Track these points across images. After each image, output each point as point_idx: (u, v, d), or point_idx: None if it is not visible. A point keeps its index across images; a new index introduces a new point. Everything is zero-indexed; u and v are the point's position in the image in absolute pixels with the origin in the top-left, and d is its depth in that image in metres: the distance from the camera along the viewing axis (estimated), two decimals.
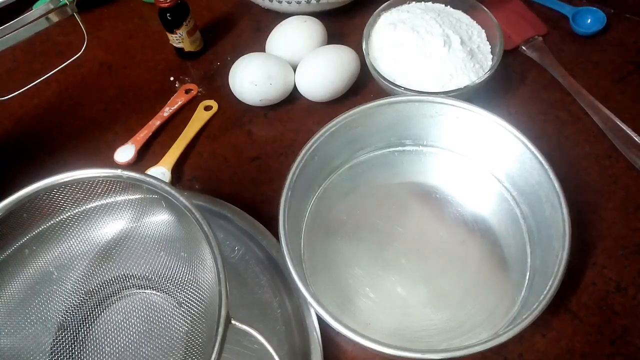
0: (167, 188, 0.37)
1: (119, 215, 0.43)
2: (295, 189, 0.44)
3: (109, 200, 0.42)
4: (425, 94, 0.48)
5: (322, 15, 0.59)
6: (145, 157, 0.54)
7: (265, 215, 0.47)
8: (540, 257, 0.43)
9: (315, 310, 0.39)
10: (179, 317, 0.41)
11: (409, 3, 0.56)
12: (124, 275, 0.43)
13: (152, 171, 0.52)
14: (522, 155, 0.44)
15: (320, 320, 0.41)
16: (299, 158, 0.45)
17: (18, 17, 0.44)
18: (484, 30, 0.54)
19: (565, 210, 0.40)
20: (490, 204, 0.47)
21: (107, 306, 0.43)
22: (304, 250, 0.45)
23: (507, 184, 0.47)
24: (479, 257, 0.45)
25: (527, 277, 0.43)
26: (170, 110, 0.57)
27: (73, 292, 0.42)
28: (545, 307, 0.37)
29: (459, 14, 0.55)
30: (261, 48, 0.58)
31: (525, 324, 0.36)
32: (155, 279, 0.43)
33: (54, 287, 0.42)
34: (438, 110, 0.47)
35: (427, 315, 0.42)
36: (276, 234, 0.43)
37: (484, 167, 0.49)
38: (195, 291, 0.39)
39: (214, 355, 0.31)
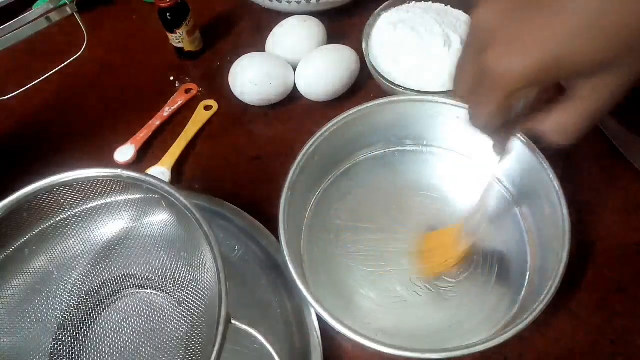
0: (167, 188, 0.37)
1: (119, 215, 0.43)
2: (296, 188, 0.44)
3: (109, 200, 0.42)
4: (426, 94, 0.48)
5: (322, 15, 0.59)
6: (145, 157, 0.54)
7: (265, 215, 0.47)
8: (540, 257, 0.43)
9: (315, 310, 0.39)
10: (179, 317, 0.41)
11: (409, 3, 0.56)
12: (124, 275, 0.43)
13: (152, 171, 0.52)
14: (521, 155, 0.44)
15: (320, 320, 0.41)
16: (299, 158, 0.45)
17: (18, 17, 0.44)
18: None
19: (565, 210, 0.40)
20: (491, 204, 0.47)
21: (107, 306, 0.43)
22: (304, 250, 0.45)
23: (507, 184, 0.47)
24: (480, 258, 0.45)
25: (527, 277, 0.43)
26: (170, 110, 0.57)
27: (73, 292, 0.42)
28: (545, 307, 0.37)
29: (459, 14, 0.55)
30: (261, 48, 0.58)
31: (525, 324, 0.36)
32: (155, 278, 0.43)
33: (54, 287, 0.42)
34: (438, 110, 0.47)
35: (427, 315, 0.42)
36: (276, 234, 0.43)
37: (483, 167, 0.49)
38: (195, 291, 0.39)
39: (214, 355, 0.31)
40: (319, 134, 0.46)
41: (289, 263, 0.40)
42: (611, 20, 0.25)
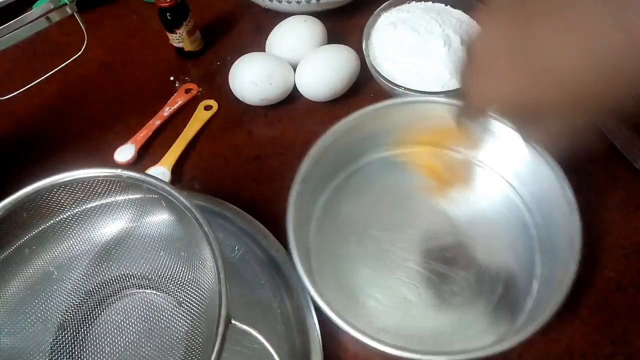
0: (167, 188, 0.37)
1: (119, 215, 0.43)
2: (308, 182, 0.44)
3: (109, 200, 0.42)
4: (444, 96, 0.47)
5: (322, 15, 0.59)
6: (145, 157, 0.54)
7: (265, 215, 0.47)
8: (549, 266, 0.42)
9: (317, 303, 0.39)
10: (179, 317, 0.41)
11: (409, 3, 0.56)
12: (124, 275, 0.43)
13: (152, 171, 0.52)
14: (536, 164, 0.44)
15: (320, 319, 0.41)
16: (312, 151, 0.44)
17: (18, 17, 0.44)
18: None
19: (577, 221, 0.40)
20: (502, 210, 0.47)
21: (107, 306, 0.43)
22: (311, 245, 0.45)
23: (520, 191, 0.47)
24: (487, 264, 0.44)
25: (534, 286, 0.42)
26: (170, 110, 0.57)
27: (73, 291, 0.42)
28: (549, 318, 0.37)
29: (459, 14, 0.55)
30: (261, 48, 0.58)
31: (526, 335, 0.36)
32: (155, 278, 0.43)
33: (54, 286, 0.42)
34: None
35: (431, 318, 0.42)
36: (276, 234, 0.43)
37: (496, 172, 0.48)
38: (195, 291, 0.39)
39: (214, 355, 0.31)
40: (335, 127, 0.45)
41: (295, 255, 0.40)
42: (583, 86, 0.28)
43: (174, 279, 0.42)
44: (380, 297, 0.43)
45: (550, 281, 0.40)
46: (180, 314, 0.41)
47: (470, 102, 0.35)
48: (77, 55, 0.48)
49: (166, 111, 0.57)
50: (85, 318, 0.42)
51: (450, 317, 0.42)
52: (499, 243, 0.45)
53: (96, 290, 0.43)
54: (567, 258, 0.39)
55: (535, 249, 0.44)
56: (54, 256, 0.42)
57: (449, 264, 0.44)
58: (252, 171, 0.52)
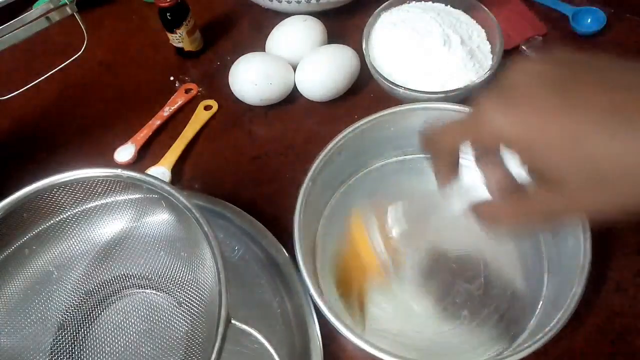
0: (167, 188, 0.37)
1: (119, 215, 0.43)
2: (318, 181, 0.44)
3: (109, 200, 0.42)
4: (464, 105, 0.47)
5: (322, 15, 0.59)
6: (145, 156, 0.54)
7: (265, 215, 0.47)
8: (556, 287, 0.41)
9: (316, 302, 0.39)
10: (179, 317, 0.41)
11: (409, 3, 0.56)
12: (124, 275, 0.43)
13: (152, 171, 0.52)
14: None
15: (320, 319, 0.41)
16: (325, 151, 0.44)
17: (18, 17, 0.44)
18: (484, 30, 0.54)
19: (587, 246, 0.39)
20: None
21: (107, 306, 0.43)
22: (317, 243, 0.45)
23: None
24: (494, 279, 0.44)
25: (540, 306, 0.42)
26: (170, 110, 0.57)
27: (73, 291, 0.42)
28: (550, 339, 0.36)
29: (458, 14, 0.55)
30: (261, 48, 0.58)
31: (525, 354, 0.35)
32: (155, 279, 0.43)
33: (54, 286, 0.42)
34: None
35: (430, 327, 0.42)
36: (276, 234, 0.42)
37: None
38: (195, 291, 0.39)
39: (214, 355, 0.31)
40: (350, 129, 0.45)
41: (298, 250, 0.40)
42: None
43: (174, 279, 0.42)
44: (381, 301, 0.43)
45: (555, 302, 0.39)
46: (180, 314, 0.41)
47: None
48: (77, 55, 0.48)
49: (166, 111, 0.57)
50: (85, 318, 0.42)
51: (451, 328, 0.42)
52: (508, 259, 0.44)
53: (96, 290, 0.43)
54: (573, 282, 0.38)
55: (544, 269, 0.43)
56: (54, 256, 0.42)
57: (455, 275, 0.44)
58: (252, 171, 0.52)
